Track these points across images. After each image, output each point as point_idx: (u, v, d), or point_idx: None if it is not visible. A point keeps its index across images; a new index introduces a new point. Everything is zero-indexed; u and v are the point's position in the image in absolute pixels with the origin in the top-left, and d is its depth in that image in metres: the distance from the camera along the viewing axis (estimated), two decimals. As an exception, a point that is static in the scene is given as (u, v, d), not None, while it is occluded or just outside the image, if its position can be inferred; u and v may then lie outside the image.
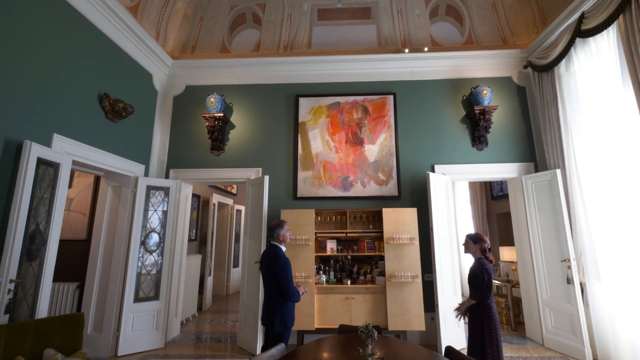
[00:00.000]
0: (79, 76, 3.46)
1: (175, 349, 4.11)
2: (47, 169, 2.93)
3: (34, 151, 2.77)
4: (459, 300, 4.22)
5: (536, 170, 4.52)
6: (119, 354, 3.83)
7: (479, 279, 2.60)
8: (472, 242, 2.85)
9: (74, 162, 3.39)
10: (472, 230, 6.92)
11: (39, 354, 2.42)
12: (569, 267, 3.77)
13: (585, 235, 3.76)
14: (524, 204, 4.42)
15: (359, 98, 4.93)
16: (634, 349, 3.20)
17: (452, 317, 4.06)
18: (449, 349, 2.09)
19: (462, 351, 2.04)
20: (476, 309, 2.57)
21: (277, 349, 2.12)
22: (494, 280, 5.07)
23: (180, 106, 5.05)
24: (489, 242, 2.81)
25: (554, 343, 3.94)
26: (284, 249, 2.82)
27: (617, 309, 3.42)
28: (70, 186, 4.66)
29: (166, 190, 4.50)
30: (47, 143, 3.04)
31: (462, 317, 2.81)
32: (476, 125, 4.59)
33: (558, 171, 3.98)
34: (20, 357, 2.28)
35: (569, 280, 3.77)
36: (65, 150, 3.21)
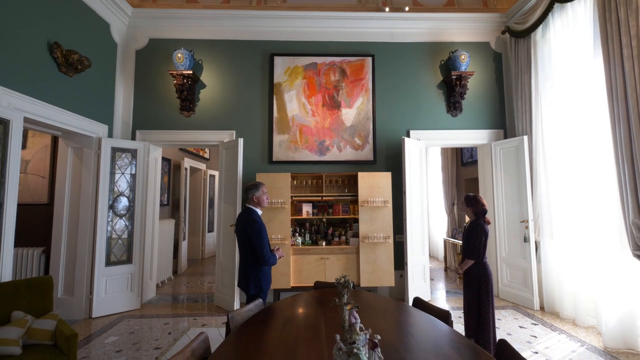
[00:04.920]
0: (22, 21, 3.05)
1: (152, 309, 4.15)
2: (-5, 126, 2.66)
3: (-23, 105, 2.49)
4: (427, 258, 4.51)
5: (505, 137, 4.71)
6: (93, 316, 3.82)
7: (474, 239, 2.67)
8: (465, 205, 2.84)
9: (27, 120, 3.10)
10: (441, 195, 7.24)
11: (6, 317, 2.35)
12: (527, 227, 4.09)
13: (544, 198, 4.05)
14: (492, 169, 4.64)
15: (337, 59, 4.76)
16: (574, 298, 3.61)
17: (419, 274, 4.36)
18: (417, 299, 2.26)
19: (429, 302, 2.21)
20: (473, 267, 2.67)
21: (255, 304, 2.19)
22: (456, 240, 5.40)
23: (144, 61, 4.65)
24: (485, 205, 2.78)
25: (508, 294, 4.36)
26: (259, 212, 2.76)
27: (564, 263, 3.80)
28: (24, 147, 4.31)
29: (133, 153, 4.28)
30: (-8, 97, 2.73)
31: (460, 276, 2.87)
32: (452, 91, 4.62)
33: (525, 138, 4.17)
34: (-15, 321, 2.22)
35: (526, 239, 4.11)
36: (13, 105, 2.91)
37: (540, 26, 4.04)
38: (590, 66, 3.39)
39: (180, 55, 4.32)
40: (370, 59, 4.75)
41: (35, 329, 2.31)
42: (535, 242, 4.13)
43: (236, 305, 4.00)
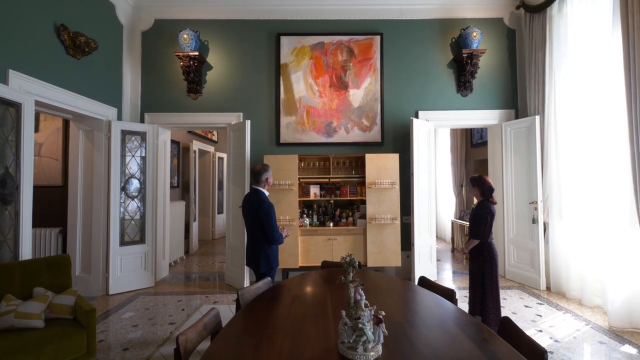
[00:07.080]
0: (28, 3, 3.04)
1: (166, 287, 4.32)
2: (8, 109, 2.71)
3: (-11, 89, 2.53)
4: (434, 239, 4.54)
5: (516, 117, 4.59)
6: (110, 293, 4.00)
7: (480, 219, 2.68)
8: (471, 185, 2.85)
9: (38, 103, 3.14)
10: (450, 177, 7.18)
11: (28, 293, 2.48)
12: (536, 209, 4.06)
13: (554, 180, 3.99)
14: (502, 150, 4.56)
15: (344, 38, 4.65)
16: (581, 279, 3.62)
17: (426, 255, 4.40)
18: (422, 278, 2.29)
19: (435, 282, 2.24)
20: (478, 247, 2.70)
21: (264, 282, 2.26)
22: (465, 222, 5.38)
23: (150, 43, 4.62)
24: (491, 183, 2.77)
25: (514, 275, 4.39)
26: (267, 193, 2.81)
27: (572, 244, 3.79)
28: (37, 130, 4.39)
29: (143, 135, 4.32)
30: (3, 80, 2.76)
31: (466, 256, 2.90)
32: (463, 70, 4.49)
33: (537, 117, 4.06)
34: (10, 296, 2.34)
35: (534, 220, 4.08)
36: (24, 88, 2.94)
37: (557, 0, 3.85)
38: (608, 42, 3.24)
39: (186, 36, 4.27)
40: (378, 37, 4.62)
41: (56, 304, 2.44)
42: (544, 223, 4.11)
43: (246, 284, 4.13)
